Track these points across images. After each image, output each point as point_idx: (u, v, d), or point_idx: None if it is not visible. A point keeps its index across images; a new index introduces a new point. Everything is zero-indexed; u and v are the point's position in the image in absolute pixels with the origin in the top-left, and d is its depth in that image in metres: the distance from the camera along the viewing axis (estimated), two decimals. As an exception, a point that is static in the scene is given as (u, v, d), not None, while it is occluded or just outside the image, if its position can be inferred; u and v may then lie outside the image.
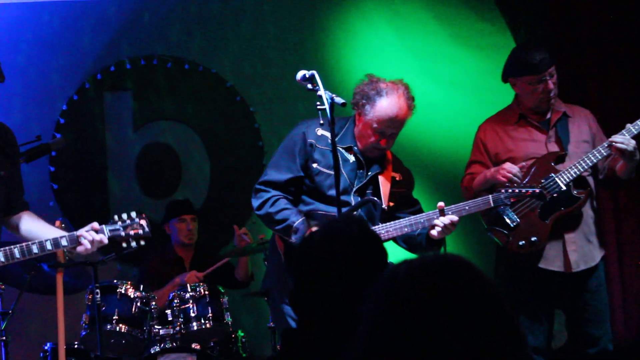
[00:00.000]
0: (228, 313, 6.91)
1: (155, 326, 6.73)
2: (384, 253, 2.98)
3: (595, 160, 5.85)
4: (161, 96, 8.51)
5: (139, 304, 6.67)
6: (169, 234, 7.83)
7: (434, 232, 5.32)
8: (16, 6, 8.24)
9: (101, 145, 8.37)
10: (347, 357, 1.99)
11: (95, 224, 5.16)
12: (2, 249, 5.11)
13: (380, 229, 5.30)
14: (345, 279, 2.84)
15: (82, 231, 5.13)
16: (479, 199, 5.53)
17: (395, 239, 5.47)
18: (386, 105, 5.28)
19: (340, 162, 5.14)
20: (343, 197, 5.06)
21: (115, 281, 6.79)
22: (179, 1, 8.53)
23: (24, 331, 7.60)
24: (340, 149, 5.31)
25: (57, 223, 6.21)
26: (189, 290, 6.83)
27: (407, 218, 5.42)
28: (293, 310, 2.98)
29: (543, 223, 5.85)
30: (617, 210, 8.06)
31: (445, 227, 5.30)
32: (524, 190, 5.49)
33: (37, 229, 5.31)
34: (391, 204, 5.49)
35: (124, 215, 5.24)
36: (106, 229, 5.17)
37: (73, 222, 8.11)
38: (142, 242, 5.29)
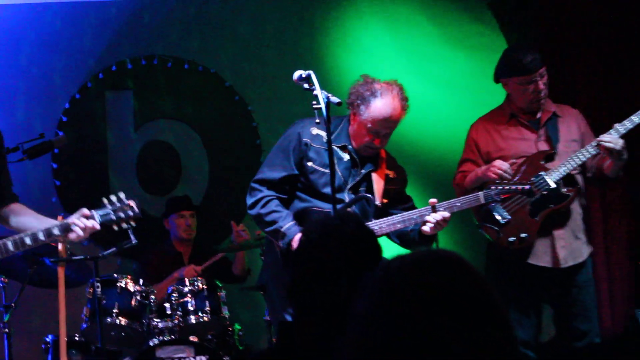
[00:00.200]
0: (225, 307, 6.90)
1: (154, 319, 6.73)
2: (379, 250, 2.98)
3: (583, 159, 5.85)
4: (161, 95, 8.51)
5: (138, 297, 6.67)
6: (169, 230, 7.83)
7: (426, 228, 5.32)
8: (19, 7, 8.23)
9: (103, 143, 8.37)
10: (341, 352, 1.99)
11: (85, 210, 5.10)
12: None
13: (374, 225, 5.30)
14: (342, 275, 2.83)
15: (72, 218, 5.08)
16: (470, 195, 5.53)
17: (388, 235, 5.48)
18: (380, 106, 5.28)
19: (335, 161, 5.13)
20: (337, 195, 5.05)
21: (115, 275, 6.78)
22: (178, 2, 8.53)
23: (26, 323, 7.59)
24: (335, 147, 5.30)
25: (59, 218, 6.20)
26: (188, 284, 6.84)
27: (400, 214, 5.42)
28: (290, 305, 2.97)
29: (532, 220, 5.85)
30: (605, 207, 8.06)
31: (437, 223, 5.31)
32: (513, 187, 5.50)
33: (27, 220, 5.23)
34: (385, 200, 5.49)
35: (113, 198, 5.17)
36: (96, 214, 5.11)
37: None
38: (133, 223, 5.24)
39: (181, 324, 6.73)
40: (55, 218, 6.17)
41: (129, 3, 8.46)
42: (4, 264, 6.62)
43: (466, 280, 1.93)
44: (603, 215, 8.04)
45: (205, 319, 6.77)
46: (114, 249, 6.45)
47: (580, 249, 5.99)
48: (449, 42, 8.73)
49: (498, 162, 5.81)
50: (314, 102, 4.87)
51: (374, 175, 5.48)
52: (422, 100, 7.87)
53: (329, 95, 4.91)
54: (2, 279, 6.61)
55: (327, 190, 5.26)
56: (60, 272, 6.02)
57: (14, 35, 8.24)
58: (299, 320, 2.90)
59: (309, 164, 5.36)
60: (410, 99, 5.39)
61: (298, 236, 5.04)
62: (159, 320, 6.74)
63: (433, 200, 5.35)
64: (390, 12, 8.72)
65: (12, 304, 6.47)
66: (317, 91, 4.86)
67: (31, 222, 5.22)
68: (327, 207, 5.27)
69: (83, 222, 5.08)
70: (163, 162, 8.46)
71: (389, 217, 5.40)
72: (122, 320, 6.59)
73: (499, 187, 5.48)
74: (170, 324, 6.72)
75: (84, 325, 6.60)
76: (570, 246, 5.93)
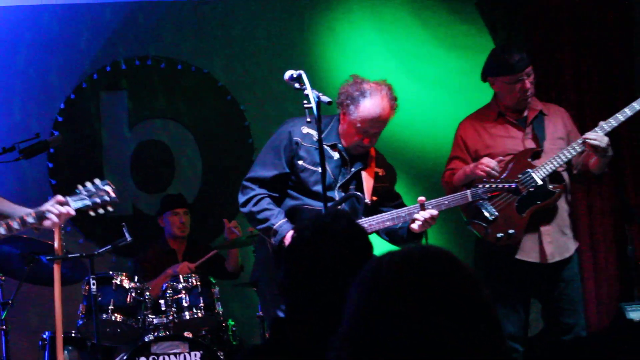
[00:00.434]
0: (219, 303, 6.89)
1: (149, 315, 6.72)
2: (370, 247, 2.97)
3: (569, 156, 5.86)
4: (155, 95, 8.49)
5: (133, 294, 6.66)
6: (163, 227, 7.82)
7: (414, 226, 5.31)
8: (16, 9, 8.22)
9: (97, 143, 8.35)
10: (334, 348, 1.98)
11: (60, 197, 5.05)
12: None
13: (363, 223, 5.29)
14: (334, 272, 2.82)
15: (47, 205, 5.04)
16: (458, 193, 5.53)
17: (377, 232, 5.47)
18: (369, 106, 5.26)
19: (325, 159, 5.12)
20: (327, 193, 5.04)
21: (110, 272, 6.78)
22: (172, 4, 8.52)
23: (23, 320, 7.57)
24: (325, 146, 5.28)
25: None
26: (182, 281, 6.82)
27: (389, 212, 5.41)
28: (282, 302, 2.96)
29: (520, 216, 5.85)
30: (591, 203, 8.07)
31: (426, 221, 5.30)
32: (500, 186, 5.49)
33: (1, 210, 5.19)
34: (374, 198, 5.49)
35: (88, 184, 5.14)
36: (71, 200, 5.07)
37: (71, 216, 8.09)
38: (110, 209, 5.19)
39: (176, 320, 6.72)
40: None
41: (123, 5, 8.45)
42: (1, 262, 6.62)
43: (455, 275, 1.92)
44: (589, 211, 8.06)
45: (200, 315, 6.76)
46: (109, 246, 6.45)
47: (567, 245, 6.00)
48: (437, 42, 8.73)
49: (486, 160, 5.81)
50: (305, 102, 4.86)
51: (364, 174, 5.47)
52: (411, 99, 7.88)
53: (320, 94, 4.90)
54: (0, 276, 6.60)
55: (318, 188, 5.25)
56: (56, 269, 6.01)
57: (11, 36, 8.22)
58: (292, 317, 2.88)
59: (300, 162, 5.35)
60: (399, 98, 5.37)
61: (290, 234, 5.03)
62: (153, 316, 6.73)
63: (422, 198, 5.34)
64: (380, 13, 8.72)
65: (9, 302, 6.46)
66: (308, 91, 4.85)
67: (5, 211, 5.17)
68: (317, 205, 5.27)
69: (57, 208, 5.03)
70: (157, 161, 8.45)
71: (379, 215, 5.39)
72: (118, 317, 6.58)
73: (486, 186, 5.48)
74: (165, 320, 6.71)
75: (80, 322, 6.59)
76: (557, 242, 5.94)
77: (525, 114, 6.08)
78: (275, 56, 8.48)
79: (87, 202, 5.11)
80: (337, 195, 5.36)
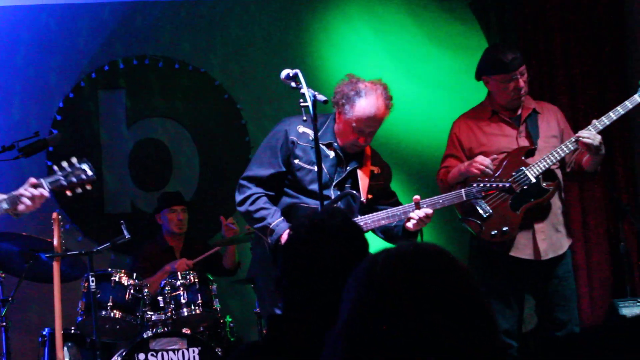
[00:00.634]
0: (217, 299, 6.89)
1: (148, 312, 6.72)
2: (366, 244, 2.97)
3: (563, 154, 5.86)
4: (153, 94, 8.49)
5: (132, 291, 6.66)
6: (161, 224, 7.82)
7: (409, 225, 5.31)
8: (15, 9, 8.21)
9: (96, 141, 8.34)
10: (329, 345, 1.98)
11: (33, 179, 4.94)
12: None
13: (359, 221, 5.27)
14: (330, 270, 2.82)
15: (20, 190, 4.95)
16: (453, 192, 5.52)
17: (373, 230, 5.46)
18: (365, 105, 5.25)
19: (321, 158, 5.11)
20: (323, 191, 5.04)
21: (109, 270, 6.77)
22: (169, 4, 8.51)
23: (23, 317, 7.58)
24: (321, 145, 5.27)
25: (54, 215, 6.20)
26: (180, 278, 6.82)
27: (384, 211, 5.40)
28: (279, 300, 2.96)
29: (514, 214, 5.85)
30: (584, 201, 8.08)
31: (420, 220, 5.29)
32: (494, 185, 5.48)
33: None
34: (370, 196, 5.48)
35: (64, 164, 5.01)
36: (45, 181, 4.97)
37: (69, 214, 8.10)
38: (89, 187, 5.08)
39: (174, 317, 6.72)
40: (51, 214, 6.18)
41: (121, 5, 8.44)
42: (1, 259, 6.62)
43: (450, 272, 1.93)
44: (582, 208, 8.06)
45: (198, 311, 6.76)
46: (108, 244, 6.45)
47: (561, 242, 6.00)
48: (432, 42, 8.74)
49: (480, 158, 5.81)
50: (301, 100, 4.86)
51: (359, 172, 5.46)
52: (406, 98, 7.88)
53: (316, 93, 4.90)
54: (0, 274, 6.60)
55: (313, 187, 5.25)
56: (56, 267, 6.01)
57: (10, 36, 8.22)
58: (289, 314, 2.88)
59: (296, 161, 5.34)
60: (394, 96, 5.36)
61: (286, 233, 5.03)
62: (152, 313, 6.73)
63: (417, 197, 5.34)
64: (375, 13, 8.72)
65: (9, 298, 6.47)
66: (304, 89, 4.85)
67: None
68: (313, 203, 5.27)
69: (30, 191, 4.95)
70: (155, 159, 8.44)
71: (374, 214, 5.39)
72: (117, 313, 6.58)
73: (480, 185, 5.47)
74: (163, 316, 6.71)
75: (79, 319, 6.58)
76: (550, 239, 5.94)
77: (519, 112, 6.08)
78: (272, 55, 8.48)
79: (63, 182, 5.00)
80: (333, 193, 5.36)
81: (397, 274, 1.90)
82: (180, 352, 6.44)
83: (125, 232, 6.36)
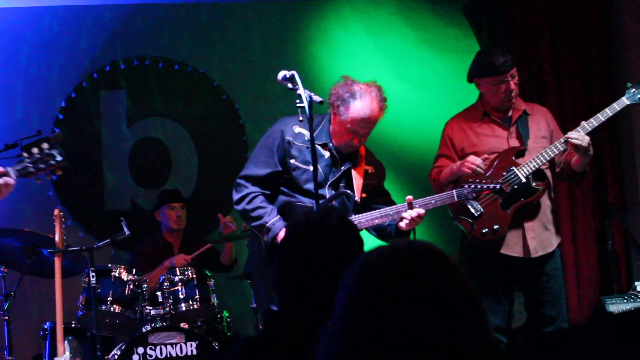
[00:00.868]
0: (214, 295, 6.89)
1: (147, 307, 6.71)
2: (360, 242, 2.96)
3: (552, 155, 5.87)
4: (153, 94, 8.48)
5: (131, 286, 6.65)
6: (160, 221, 7.82)
7: (402, 224, 5.31)
8: (19, 11, 8.21)
9: (97, 140, 8.34)
10: (324, 342, 1.98)
11: (0, 168, 4.79)
12: None
13: (353, 220, 5.27)
14: (326, 267, 2.81)
15: None
16: (444, 193, 5.52)
17: (366, 228, 5.46)
18: (359, 107, 5.24)
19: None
20: (318, 191, 5.03)
21: (109, 265, 6.75)
22: (169, 7, 8.51)
23: (25, 311, 7.58)
24: (316, 145, 5.27)
25: (56, 211, 6.20)
26: (178, 273, 6.81)
27: (378, 210, 5.39)
28: (276, 295, 2.95)
29: (504, 212, 5.85)
30: (572, 201, 8.08)
31: (413, 220, 5.29)
32: (485, 186, 5.49)
33: None
34: (364, 195, 5.47)
35: (35, 149, 4.83)
36: (11, 169, 4.79)
37: (71, 211, 8.10)
38: (59, 173, 4.89)
39: (172, 312, 6.72)
40: (53, 211, 6.18)
41: (122, 7, 8.44)
42: (3, 254, 6.61)
43: (442, 269, 1.93)
44: (571, 208, 8.07)
45: (195, 306, 6.75)
46: (108, 240, 6.45)
47: (550, 240, 6.00)
48: (425, 45, 8.74)
49: (472, 158, 5.82)
50: (297, 101, 4.85)
51: (353, 172, 5.45)
52: (400, 99, 7.88)
53: (312, 94, 4.89)
54: (2, 268, 6.60)
55: (309, 186, 5.25)
56: (57, 262, 6.01)
57: (13, 37, 8.21)
58: (285, 311, 2.87)
59: (292, 161, 5.33)
60: (388, 98, 5.35)
61: (283, 231, 5.03)
62: (151, 307, 6.72)
63: (409, 197, 5.33)
64: (370, 17, 8.73)
65: (12, 293, 6.47)
66: (301, 90, 4.84)
67: None
68: (308, 202, 5.27)
69: None
70: (154, 158, 8.44)
71: (368, 213, 5.38)
72: (116, 308, 6.57)
73: (472, 186, 5.48)
74: (162, 311, 6.70)
75: (80, 313, 6.57)
76: (540, 237, 5.94)
77: (510, 113, 6.08)
78: (269, 57, 8.48)
79: (31, 169, 4.80)
80: (327, 192, 5.35)
81: (391, 272, 1.90)
82: (178, 346, 6.43)
83: (125, 229, 6.36)
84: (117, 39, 8.41)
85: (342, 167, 5.42)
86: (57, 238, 6.09)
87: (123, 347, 6.40)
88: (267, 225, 5.18)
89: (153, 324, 6.64)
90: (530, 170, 5.83)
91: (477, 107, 6.18)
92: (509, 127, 6.05)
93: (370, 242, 2.98)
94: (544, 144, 5.97)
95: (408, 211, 5.30)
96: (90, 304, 6.25)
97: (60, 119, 8.21)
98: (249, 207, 5.29)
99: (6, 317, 6.45)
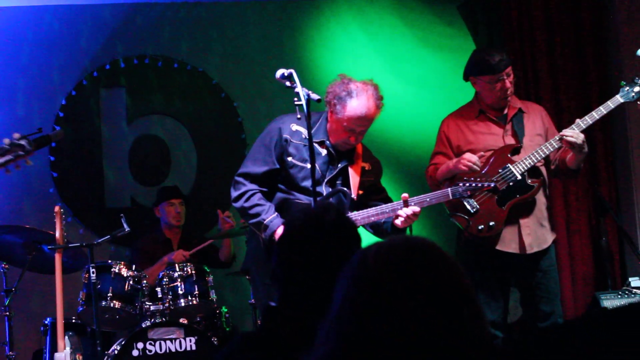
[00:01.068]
0: (213, 290, 6.89)
1: (146, 302, 6.71)
2: (358, 238, 2.96)
3: (547, 152, 5.87)
4: (152, 92, 8.47)
5: (131, 282, 6.65)
6: (159, 217, 7.81)
7: (397, 222, 5.30)
8: (19, 10, 8.20)
9: (97, 137, 8.33)
10: (320, 338, 1.97)
11: None
12: None
13: (349, 217, 5.26)
14: (323, 263, 2.81)
15: None
16: (439, 191, 5.51)
17: (363, 225, 5.46)
18: (355, 105, 5.23)
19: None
20: (316, 188, 5.03)
21: (109, 261, 6.76)
22: (168, 6, 8.50)
23: (26, 307, 7.57)
24: (314, 142, 5.26)
25: (57, 208, 6.19)
26: (177, 269, 6.82)
27: (374, 208, 5.38)
28: (275, 291, 2.94)
29: (500, 209, 5.85)
30: (567, 197, 8.09)
31: (408, 217, 5.28)
32: (479, 185, 5.49)
33: None
34: (360, 192, 5.47)
35: (5, 141, 4.70)
36: None
37: (71, 207, 8.09)
38: (29, 163, 4.77)
39: (171, 307, 6.72)
40: (53, 208, 6.18)
41: (122, 6, 8.43)
42: (5, 251, 6.61)
43: (439, 265, 1.92)
44: (565, 204, 8.07)
45: (194, 302, 6.75)
46: (108, 236, 6.45)
47: (545, 236, 6.00)
48: (421, 44, 8.74)
49: (467, 155, 5.81)
50: (295, 99, 4.85)
51: (350, 170, 5.44)
52: (397, 98, 7.90)
53: (309, 92, 4.89)
54: (3, 265, 6.60)
55: (306, 183, 5.24)
56: (58, 258, 6.00)
57: (14, 35, 8.20)
58: (283, 306, 2.87)
59: (289, 159, 5.32)
60: (385, 96, 5.33)
61: (280, 228, 5.02)
62: (150, 303, 6.72)
63: (405, 195, 5.32)
64: (367, 15, 8.73)
65: (13, 289, 6.47)
66: (298, 88, 4.84)
67: None
68: (305, 199, 5.26)
69: None
70: (154, 155, 8.43)
71: (364, 211, 5.37)
72: (116, 304, 6.57)
73: (466, 185, 5.48)
74: (161, 307, 6.70)
75: (80, 309, 6.57)
76: (535, 233, 5.94)
77: (505, 111, 6.08)
78: (267, 56, 8.48)
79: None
80: (324, 190, 5.34)
81: (389, 267, 1.89)
82: (177, 341, 6.43)
83: (125, 225, 6.36)
84: (117, 37, 8.40)
85: (339, 165, 5.41)
86: (57, 234, 6.08)
87: (123, 342, 6.40)
88: (265, 222, 5.18)
89: (152, 320, 6.63)
90: (526, 168, 5.83)
91: (473, 105, 6.17)
92: (504, 124, 6.04)
93: (367, 238, 2.98)
94: (539, 142, 5.97)
95: (403, 209, 5.29)
96: (91, 300, 6.25)
97: (61, 117, 8.20)
98: (246, 204, 5.28)
99: (7, 313, 6.45)
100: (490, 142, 5.99)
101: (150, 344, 6.40)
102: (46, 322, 6.70)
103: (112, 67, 8.35)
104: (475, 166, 5.73)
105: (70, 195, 8.19)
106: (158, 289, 6.78)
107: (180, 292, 6.74)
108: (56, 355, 5.93)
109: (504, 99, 6.01)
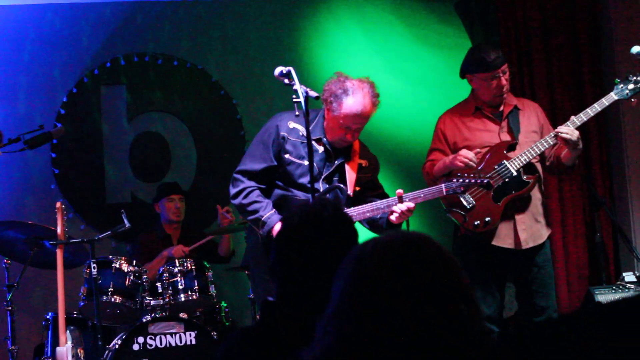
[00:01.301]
0: (212, 285, 6.89)
1: (147, 297, 6.71)
2: (355, 234, 2.96)
3: (542, 149, 5.86)
4: (152, 90, 8.47)
5: (132, 277, 6.65)
6: (159, 213, 7.81)
7: (392, 218, 5.30)
8: (21, 8, 8.19)
9: (98, 134, 8.32)
10: (319, 332, 1.97)
11: None
12: None
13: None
14: (321, 258, 2.80)
15: None
16: (434, 187, 5.51)
17: (359, 220, 5.46)
18: (352, 103, 5.22)
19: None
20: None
21: (110, 257, 6.76)
22: (169, 4, 8.49)
23: (27, 302, 7.57)
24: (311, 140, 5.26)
25: (58, 204, 6.19)
26: (177, 265, 6.81)
27: (369, 204, 5.38)
28: (273, 286, 2.94)
29: (496, 205, 5.85)
30: (562, 193, 8.09)
31: (402, 213, 5.28)
32: (472, 181, 5.49)
33: None
34: (357, 188, 5.46)
35: None
36: None
37: (72, 204, 8.08)
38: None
39: (172, 302, 6.72)
40: (55, 204, 6.18)
41: (123, 4, 8.42)
42: (7, 246, 6.61)
43: (436, 259, 1.92)
44: (560, 200, 8.08)
45: (194, 297, 6.75)
46: (109, 232, 6.44)
47: (540, 232, 6.00)
48: (418, 41, 8.74)
49: (464, 152, 5.81)
50: (294, 96, 4.84)
51: (346, 167, 5.44)
52: (393, 95, 7.90)
53: (308, 89, 4.89)
54: (5, 260, 6.60)
55: (303, 180, 5.24)
56: (59, 254, 6.00)
57: (16, 33, 8.19)
58: (282, 302, 2.86)
59: (286, 156, 5.32)
60: (381, 93, 5.33)
61: (278, 224, 5.02)
62: (151, 298, 6.72)
63: (400, 191, 5.32)
64: (364, 13, 8.72)
65: (15, 284, 6.47)
66: (297, 86, 4.83)
67: None
68: (303, 195, 5.26)
69: None
70: (154, 152, 8.42)
71: (359, 207, 5.37)
72: (117, 299, 6.57)
73: (460, 180, 5.48)
74: (161, 301, 6.70)
75: (82, 303, 6.57)
76: (530, 229, 5.94)
77: (501, 108, 6.08)
78: (266, 54, 8.47)
79: None
80: (321, 187, 5.34)
81: (386, 263, 1.89)
82: (177, 335, 6.43)
83: (126, 221, 6.35)
84: (118, 35, 8.39)
85: (336, 162, 5.41)
86: (59, 230, 6.08)
87: (124, 337, 6.40)
88: (263, 219, 5.17)
89: (153, 314, 6.63)
90: (521, 164, 5.83)
91: (469, 102, 6.17)
92: (500, 121, 6.04)
93: (363, 234, 2.97)
94: (534, 138, 5.96)
95: (398, 205, 5.29)
96: (92, 295, 6.25)
97: (62, 114, 8.19)
98: (245, 201, 5.28)
99: (9, 308, 6.45)
100: (486, 138, 5.99)
101: (150, 338, 6.40)
102: (48, 316, 6.69)
103: (112, 65, 8.35)
104: (471, 162, 5.73)
105: (72, 191, 8.18)
106: (158, 284, 6.78)
107: (180, 287, 6.74)
108: (58, 349, 5.93)
109: (500, 96, 6.01)
